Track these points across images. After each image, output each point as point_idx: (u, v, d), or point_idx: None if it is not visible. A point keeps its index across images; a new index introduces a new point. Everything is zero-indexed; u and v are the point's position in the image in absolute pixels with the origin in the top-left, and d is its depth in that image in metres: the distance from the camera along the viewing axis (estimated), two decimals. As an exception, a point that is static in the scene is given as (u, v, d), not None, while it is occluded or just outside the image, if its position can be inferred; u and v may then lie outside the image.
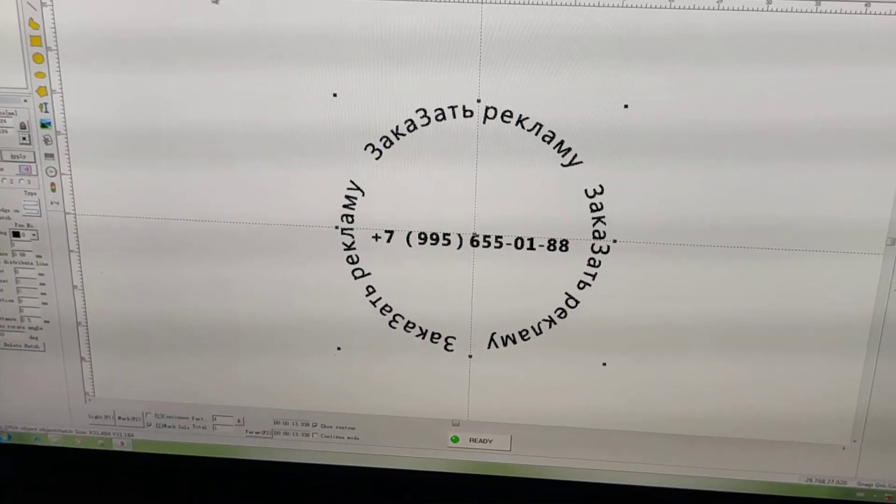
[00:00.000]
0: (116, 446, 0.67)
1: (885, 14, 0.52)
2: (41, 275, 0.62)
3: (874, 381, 0.60)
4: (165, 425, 0.66)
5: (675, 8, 0.53)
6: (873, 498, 0.63)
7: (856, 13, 0.52)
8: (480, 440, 0.65)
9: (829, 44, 0.52)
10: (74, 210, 0.60)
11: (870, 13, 0.52)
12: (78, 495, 0.69)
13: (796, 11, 0.52)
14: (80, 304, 0.63)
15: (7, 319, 0.64)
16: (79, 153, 0.59)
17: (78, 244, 0.61)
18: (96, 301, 0.63)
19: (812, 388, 0.60)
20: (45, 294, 0.63)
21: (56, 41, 0.57)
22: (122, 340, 0.64)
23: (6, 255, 0.62)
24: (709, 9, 0.52)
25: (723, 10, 0.52)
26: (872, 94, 0.53)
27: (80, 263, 0.62)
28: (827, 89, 0.53)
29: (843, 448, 0.62)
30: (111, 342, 0.64)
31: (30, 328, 0.64)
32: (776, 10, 0.52)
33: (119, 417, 0.66)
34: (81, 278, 0.62)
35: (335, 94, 0.57)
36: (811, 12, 0.52)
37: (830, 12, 0.52)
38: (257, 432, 0.66)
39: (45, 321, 0.63)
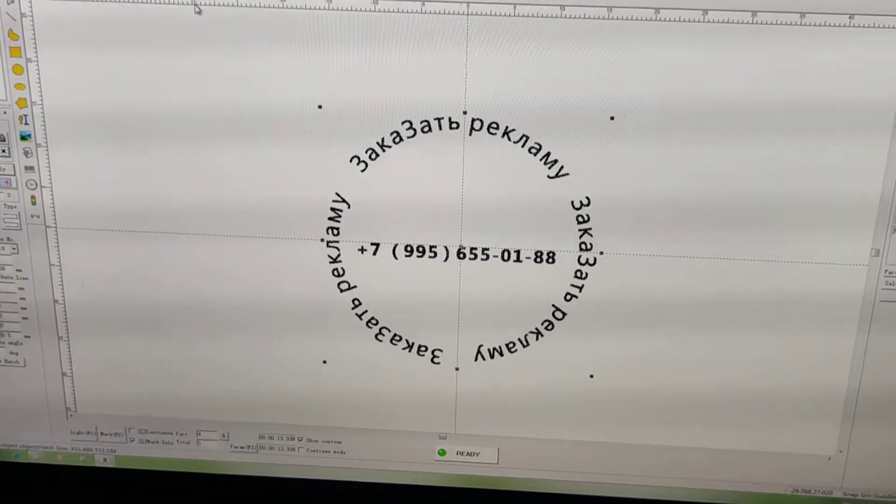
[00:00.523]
0: (99, 462, 0.67)
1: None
2: (21, 289, 0.62)
3: (858, 395, 0.60)
4: (149, 441, 0.66)
5: (661, 20, 0.53)
6: (859, 508, 0.64)
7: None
8: (468, 453, 0.65)
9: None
10: (56, 224, 0.60)
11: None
12: (59, 512, 0.69)
13: (781, 23, 0.53)
14: (61, 318, 0.62)
15: (-13, 335, 0.63)
16: (59, 166, 0.59)
17: (59, 258, 0.61)
18: (78, 315, 0.62)
19: (798, 402, 0.61)
20: (25, 309, 0.62)
21: (36, 54, 0.57)
22: (105, 355, 0.63)
23: (-15, 269, 0.62)
24: (696, 21, 0.53)
25: (709, 21, 0.53)
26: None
27: (61, 277, 0.61)
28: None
29: (829, 458, 0.62)
30: (93, 357, 0.63)
31: (10, 343, 0.63)
32: (762, 24, 0.53)
33: (101, 433, 0.66)
34: (63, 293, 0.62)
35: (320, 106, 0.56)
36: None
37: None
38: (242, 447, 0.66)
39: (26, 336, 0.63)
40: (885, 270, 0.57)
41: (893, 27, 0.52)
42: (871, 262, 0.57)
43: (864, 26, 0.52)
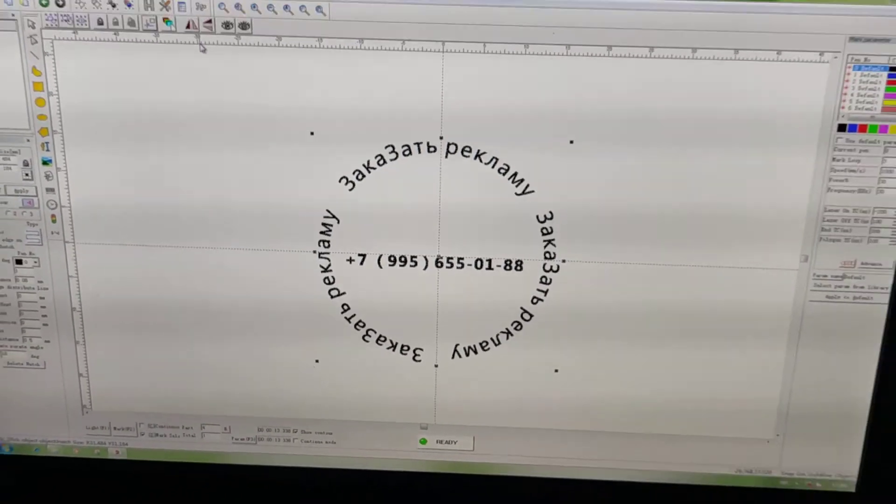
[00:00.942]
0: (112, 455, 0.72)
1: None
2: (42, 298, 0.67)
3: (794, 382, 0.67)
4: (157, 434, 0.71)
5: (613, 56, 0.60)
6: (795, 485, 0.70)
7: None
8: (446, 441, 0.70)
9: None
10: (73, 239, 0.66)
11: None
12: (76, 501, 0.73)
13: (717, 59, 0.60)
14: (78, 324, 0.68)
15: (10, 340, 0.68)
16: (78, 191, 0.64)
17: (77, 270, 0.66)
18: (93, 321, 0.68)
19: (739, 390, 0.67)
20: (45, 316, 0.68)
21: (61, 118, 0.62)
22: (117, 357, 0.68)
23: (9, 280, 0.67)
24: (643, 56, 0.60)
25: (656, 58, 0.60)
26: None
27: (78, 287, 0.67)
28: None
29: (768, 441, 0.69)
30: (107, 359, 0.68)
31: (31, 347, 0.68)
32: (700, 59, 0.60)
33: (114, 428, 0.71)
34: (80, 301, 0.67)
35: (312, 133, 0.62)
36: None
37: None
38: (242, 439, 0.71)
39: (46, 341, 0.68)
40: (814, 274, 0.65)
41: (815, 61, 0.59)
42: (801, 267, 0.64)
43: (789, 60, 0.59)
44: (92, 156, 0.64)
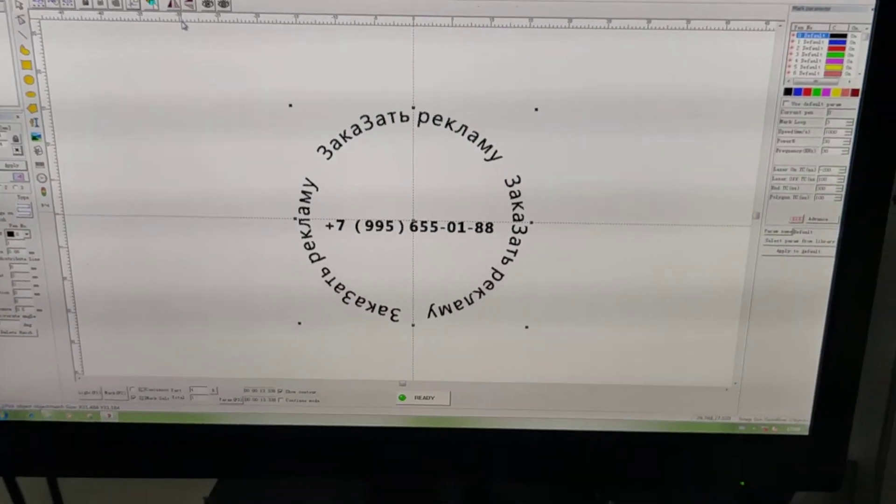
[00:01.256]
0: (104, 418, 0.74)
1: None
2: (33, 269, 0.70)
3: (749, 333, 0.71)
4: (148, 397, 0.74)
5: (573, 28, 0.63)
6: (752, 430, 0.74)
7: (719, 29, 0.64)
8: (424, 397, 0.74)
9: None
10: (63, 211, 0.68)
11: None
12: (70, 463, 0.76)
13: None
14: (69, 293, 0.70)
15: (3, 310, 0.71)
16: (67, 165, 0.67)
17: (67, 241, 0.69)
18: (83, 291, 0.70)
19: (699, 342, 0.71)
20: (37, 286, 0.70)
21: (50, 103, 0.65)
22: (108, 324, 0.71)
23: (2, 252, 0.69)
24: (601, 28, 0.63)
25: (614, 28, 0.63)
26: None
27: (69, 257, 0.69)
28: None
29: (727, 390, 0.73)
30: (98, 326, 0.71)
31: (24, 317, 0.71)
32: (655, 29, 0.63)
33: (106, 392, 0.74)
34: (70, 271, 0.70)
35: (291, 105, 0.65)
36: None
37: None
38: (230, 400, 0.74)
39: (38, 310, 0.71)
40: (766, 230, 0.69)
41: (761, 30, 0.63)
42: (753, 224, 0.69)
43: (737, 30, 0.63)
44: (80, 131, 0.66)
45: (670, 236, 0.68)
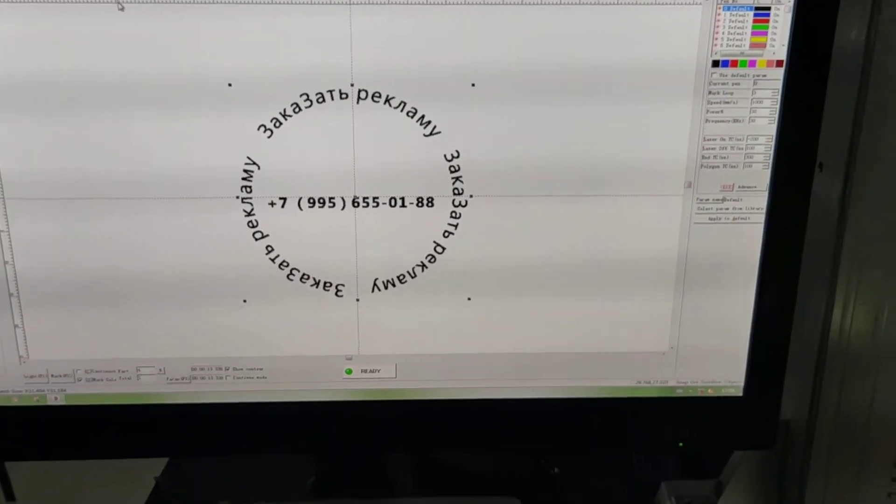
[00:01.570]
0: (51, 401, 0.74)
1: None
2: (-26, 253, 0.70)
3: (684, 299, 0.73)
4: (94, 379, 0.74)
5: (505, 4, 0.64)
6: (689, 393, 0.76)
7: None
8: (370, 371, 0.75)
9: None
10: (3, 195, 0.68)
11: None
12: (18, 448, 0.76)
13: None
14: (11, 278, 0.70)
15: (-56, 295, 0.71)
16: (3, 146, 0.67)
17: (7, 224, 0.69)
18: (26, 275, 0.70)
19: (635, 309, 0.73)
20: (-22, 270, 0.70)
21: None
22: (52, 307, 0.71)
23: (-59, 237, 0.69)
24: (535, 4, 0.65)
25: (545, 4, 0.65)
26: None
27: (10, 241, 0.69)
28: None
29: (663, 354, 0.75)
30: (42, 309, 0.71)
31: (-34, 302, 0.71)
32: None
33: (52, 375, 0.73)
34: (12, 255, 0.69)
35: (230, 84, 0.66)
36: None
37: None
38: (177, 379, 0.74)
39: (-20, 295, 0.71)
40: (697, 198, 0.71)
41: (688, 3, 0.65)
42: (685, 193, 0.71)
43: (666, 3, 0.65)
44: (16, 112, 0.66)
45: (606, 207, 0.70)
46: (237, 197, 0.69)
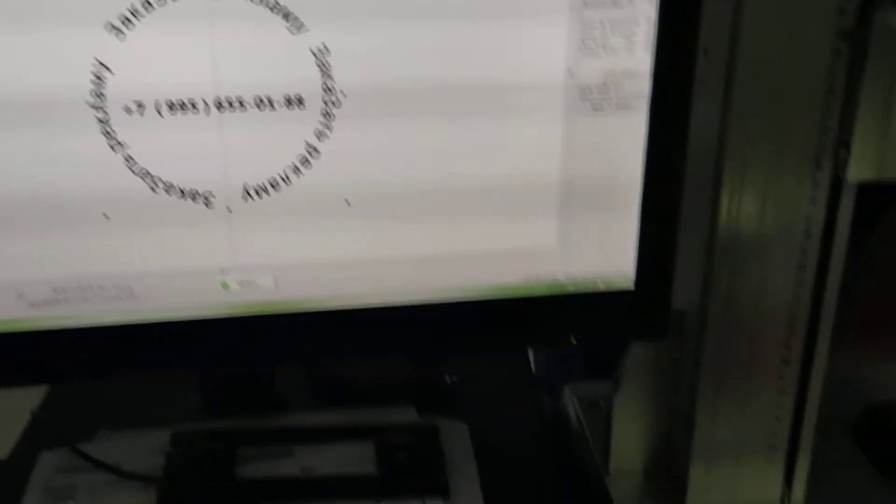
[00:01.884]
0: None
1: None
2: None
3: (569, 191, 0.71)
4: None
5: None
6: (581, 288, 0.75)
7: None
8: (247, 282, 0.71)
9: None
10: None
11: None
12: None
13: None
14: None
15: None
16: None
17: None
18: None
19: (520, 202, 0.72)
20: None
21: None
22: None
23: None
24: None
25: None
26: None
27: None
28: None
29: (551, 248, 0.74)
30: None
31: None
32: None
33: None
34: None
35: (70, -22, 0.60)
36: None
37: None
38: (39, 303, 0.70)
39: None
40: (578, 86, 0.68)
41: None
42: (566, 81, 0.68)
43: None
44: None
45: (480, 124, 0.68)
46: (87, 103, 0.63)
